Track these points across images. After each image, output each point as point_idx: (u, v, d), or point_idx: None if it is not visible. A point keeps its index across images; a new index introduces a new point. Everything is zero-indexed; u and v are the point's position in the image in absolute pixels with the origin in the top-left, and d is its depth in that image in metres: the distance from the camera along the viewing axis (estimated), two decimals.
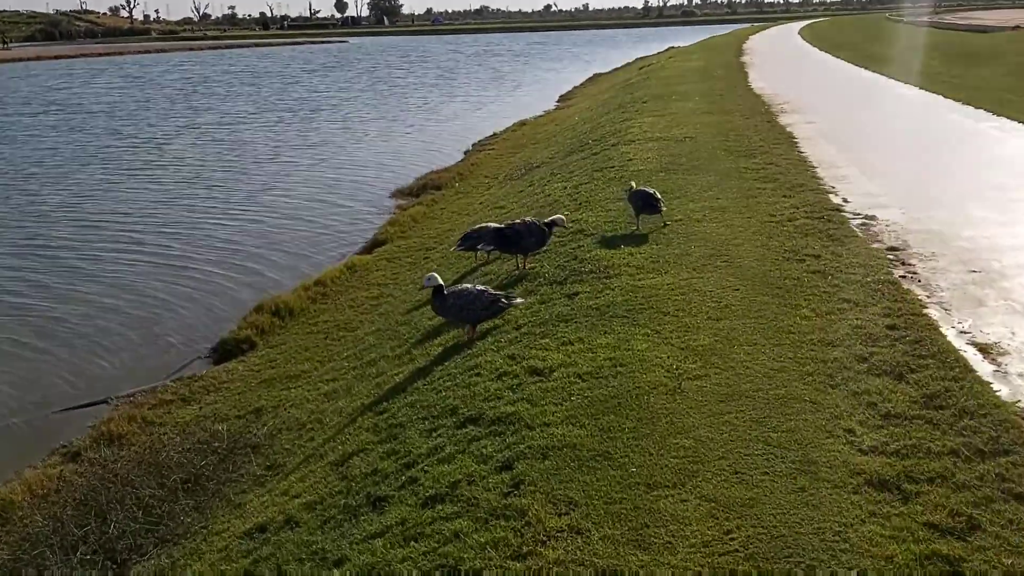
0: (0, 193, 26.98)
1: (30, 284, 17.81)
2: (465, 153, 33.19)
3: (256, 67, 73.67)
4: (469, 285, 10.93)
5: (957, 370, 8.11)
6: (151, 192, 27.60)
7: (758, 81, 35.97)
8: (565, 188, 18.76)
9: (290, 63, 77.62)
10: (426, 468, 7.56)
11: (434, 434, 8.25)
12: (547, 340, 9.74)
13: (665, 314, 9.99)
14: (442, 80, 61.92)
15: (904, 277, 10.93)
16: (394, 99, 51.20)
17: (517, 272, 13.28)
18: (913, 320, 9.39)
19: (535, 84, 58.70)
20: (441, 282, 10.67)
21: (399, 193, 26.33)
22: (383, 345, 12.55)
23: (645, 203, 13.71)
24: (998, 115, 23.25)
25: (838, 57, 48.19)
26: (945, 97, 27.45)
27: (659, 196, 13.23)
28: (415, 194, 25.91)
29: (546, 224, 13.32)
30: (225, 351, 14.13)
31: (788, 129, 22.55)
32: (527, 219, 13.28)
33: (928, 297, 10.23)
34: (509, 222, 13.41)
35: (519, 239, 12.87)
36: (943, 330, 9.19)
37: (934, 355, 8.47)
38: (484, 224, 14.87)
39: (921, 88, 30.41)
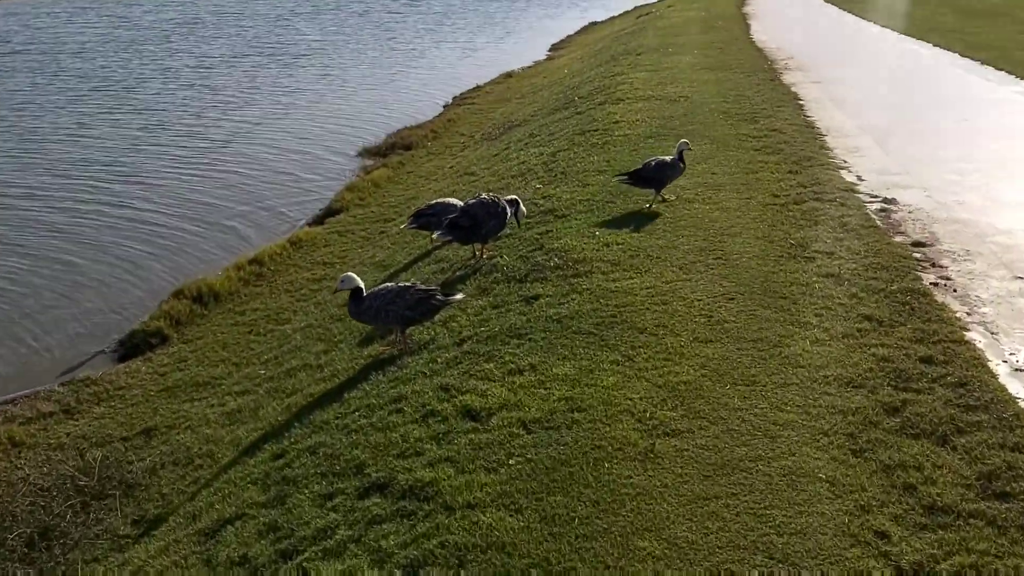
0: None
1: None
2: (444, 107, 30.76)
3: (249, 8, 70.25)
4: (391, 284, 8.93)
5: (1020, 432, 6.13)
6: (106, 140, 25.15)
7: (760, 34, 33.50)
8: (542, 155, 16.61)
9: (282, 3, 74.36)
10: (306, 563, 5.59)
11: (329, 504, 6.28)
12: (491, 365, 7.74)
13: (641, 331, 7.98)
14: (435, 26, 58.95)
15: (936, 285, 8.91)
16: (380, 45, 48.37)
17: (473, 262, 11.22)
18: (953, 351, 7.40)
19: (527, 32, 55.83)
20: (360, 283, 8.67)
21: (366, 152, 24.02)
22: (309, 347, 10.54)
23: (665, 171, 11.79)
24: (1020, 78, 21.03)
25: (843, 10, 45.59)
26: (963, 56, 25.15)
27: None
28: (383, 153, 23.65)
29: (508, 202, 11.24)
30: (132, 345, 12.11)
31: (793, 89, 20.34)
32: (485, 196, 11.19)
33: (968, 315, 8.23)
34: (465, 203, 11.32)
35: (477, 227, 10.82)
36: (992, 365, 7.21)
37: (986, 406, 6.51)
38: (443, 200, 12.76)
39: (935, 45, 28.06)
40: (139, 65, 41.34)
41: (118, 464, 8.55)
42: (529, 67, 38.96)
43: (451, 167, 20.69)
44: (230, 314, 13.04)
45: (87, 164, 22.24)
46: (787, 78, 22.10)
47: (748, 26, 37.22)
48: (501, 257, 10.99)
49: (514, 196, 11.47)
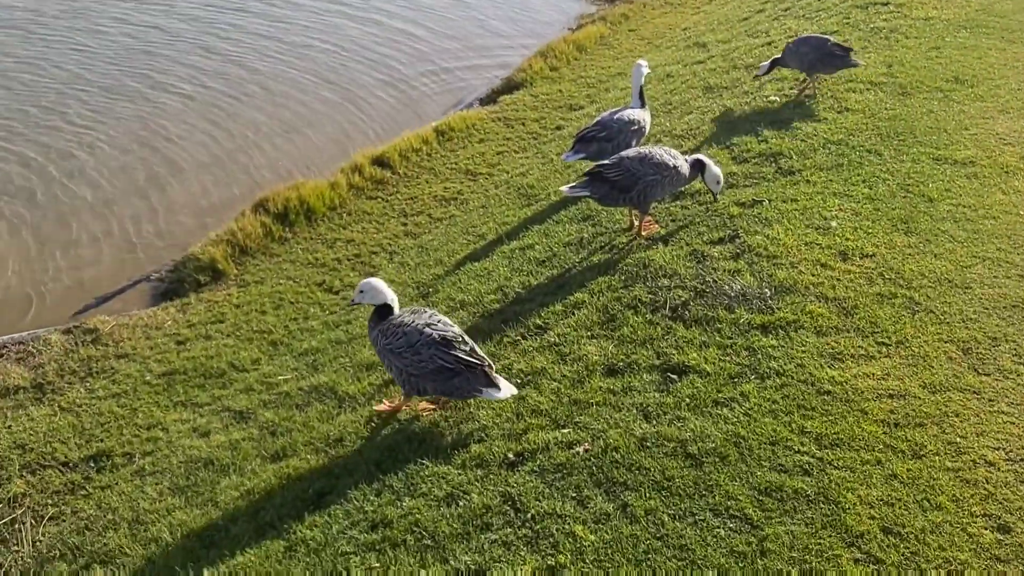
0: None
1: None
2: None
3: None
4: (419, 315, 5.39)
5: None
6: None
7: None
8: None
9: None
10: None
11: None
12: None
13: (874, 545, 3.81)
14: None
15: None
16: None
17: (627, 242, 7.18)
18: None
19: None
20: (387, 295, 5.58)
21: None
22: (345, 355, 7.11)
23: (821, 53, 9.05)
24: None
25: None
26: None
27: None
28: None
29: (691, 163, 7.01)
30: (177, 279, 9.25)
31: None
32: (655, 149, 7.00)
33: None
34: (616, 156, 7.16)
35: (628, 186, 6.81)
36: None
37: None
38: (622, 112, 8.57)
39: None
40: None
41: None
42: None
43: (684, 29, 15.82)
44: (315, 244, 9.82)
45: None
46: None
47: None
48: (657, 247, 6.84)
49: (700, 156, 7.10)
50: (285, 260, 9.53)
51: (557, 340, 6.11)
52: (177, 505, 5.67)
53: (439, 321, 5.40)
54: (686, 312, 6.03)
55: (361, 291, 5.61)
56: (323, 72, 14.71)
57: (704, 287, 6.24)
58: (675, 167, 6.99)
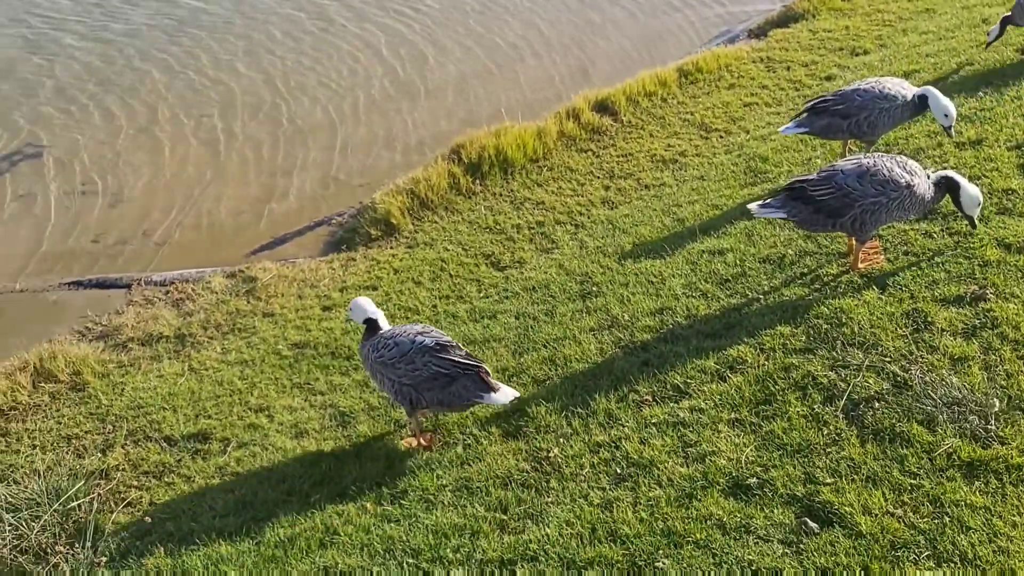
0: None
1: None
2: None
3: None
4: (410, 330, 5.25)
5: None
6: None
7: None
8: None
9: None
10: None
11: None
12: None
13: None
14: None
15: None
16: None
17: (836, 274, 5.46)
18: None
19: None
20: (370, 310, 5.44)
21: None
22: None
23: None
24: None
25: None
26: None
27: None
28: None
29: (935, 183, 5.09)
30: (352, 228, 8.63)
31: None
32: (881, 161, 5.14)
33: None
34: (828, 168, 5.36)
35: (841, 208, 5.12)
36: None
37: None
38: (879, 83, 6.68)
39: None
40: None
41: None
42: None
43: None
44: (502, 202, 8.74)
45: None
46: None
47: None
48: (869, 290, 5.05)
49: (950, 173, 5.12)
50: (464, 220, 8.59)
51: (688, 417, 4.66)
52: (226, 529, 5.07)
53: (431, 331, 5.18)
54: (869, 414, 4.31)
55: (350, 309, 5.54)
56: None
57: (908, 376, 4.44)
58: (910, 186, 5.07)
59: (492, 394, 4.94)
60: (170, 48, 12.33)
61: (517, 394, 5.04)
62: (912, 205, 5.14)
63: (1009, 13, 8.22)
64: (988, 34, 8.59)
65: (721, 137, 9.24)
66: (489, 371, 5.06)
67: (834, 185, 5.18)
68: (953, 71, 8.64)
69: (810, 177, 5.32)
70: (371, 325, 5.40)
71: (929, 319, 4.84)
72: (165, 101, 11.22)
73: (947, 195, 5.18)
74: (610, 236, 7.67)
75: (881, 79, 6.72)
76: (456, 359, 4.97)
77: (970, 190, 5.11)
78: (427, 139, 10.24)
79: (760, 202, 5.52)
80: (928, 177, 5.14)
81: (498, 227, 8.35)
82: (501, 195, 8.92)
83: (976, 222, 5.28)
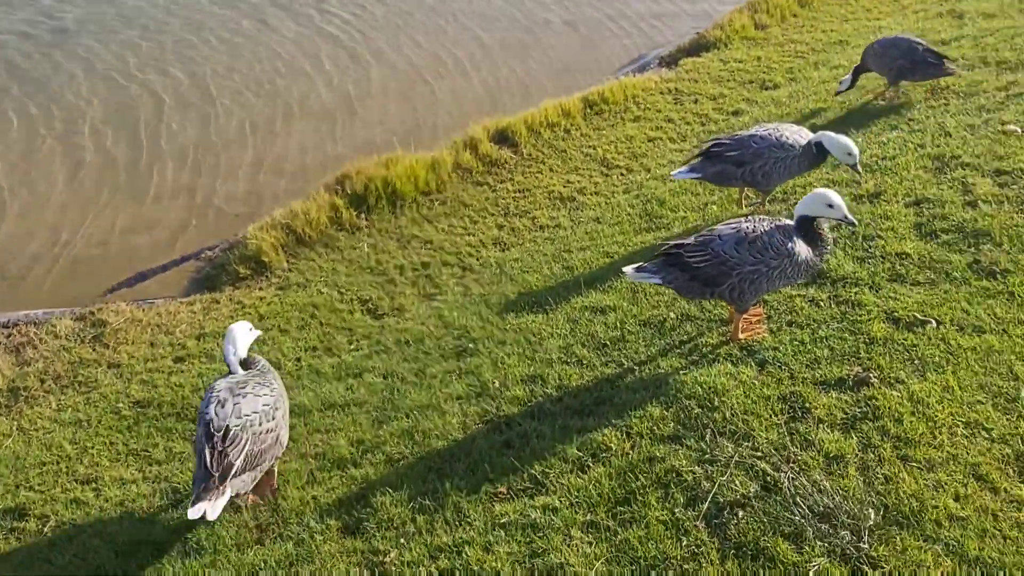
0: None
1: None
2: None
3: None
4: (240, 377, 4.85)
5: None
6: None
7: None
8: None
9: None
10: None
11: None
12: None
13: None
14: None
15: None
16: None
17: (716, 344, 5.02)
18: None
19: None
20: (237, 349, 4.97)
21: None
22: (331, 429, 5.52)
23: (910, 58, 7.79)
24: None
25: None
26: None
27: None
28: None
29: (814, 240, 4.74)
30: (220, 265, 7.95)
31: None
32: (762, 225, 4.71)
33: None
34: (706, 233, 4.92)
35: (716, 276, 4.80)
36: None
37: None
38: (773, 129, 6.35)
39: None
40: None
41: None
42: None
43: None
44: (387, 240, 8.15)
45: None
46: None
47: None
48: (746, 365, 4.63)
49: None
50: (344, 259, 7.99)
51: (541, 519, 4.15)
52: None
53: (228, 400, 4.62)
54: (733, 523, 3.85)
55: (227, 346, 5.01)
56: (476, 13, 12.81)
57: (778, 477, 4.00)
58: (791, 254, 4.65)
59: (195, 504, 4.31)
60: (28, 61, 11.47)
61: (201, 515, 4.31)
62: (795, 272, 4.73)
63: (859, 63, 8.30)
64: (840, 83, 8.58)
65: (622, 175, 8.81)
66: (223, 488, 4.41)
67: (710, 252, 4.74)
68: (859, 108, 8.37)
69: (686, 242, 4.88)
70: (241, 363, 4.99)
71: (807, 405, 4.42)
72: (29, 116, 10.37)
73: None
74: (496, 283, 7.16)
75: (780, 125, 6.39)
76: (206, 453, 4.44)
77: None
78: (317, 164, 9.62)
79: (635, 266, 5.06)
80: (807, 240, 4.72)
81: (380, 268, 7.77)
82: (387, 231, 8.34)
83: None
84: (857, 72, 8.36)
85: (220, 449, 4.48)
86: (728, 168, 6.37)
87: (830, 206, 4.62)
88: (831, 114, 8.60)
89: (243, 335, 5.06)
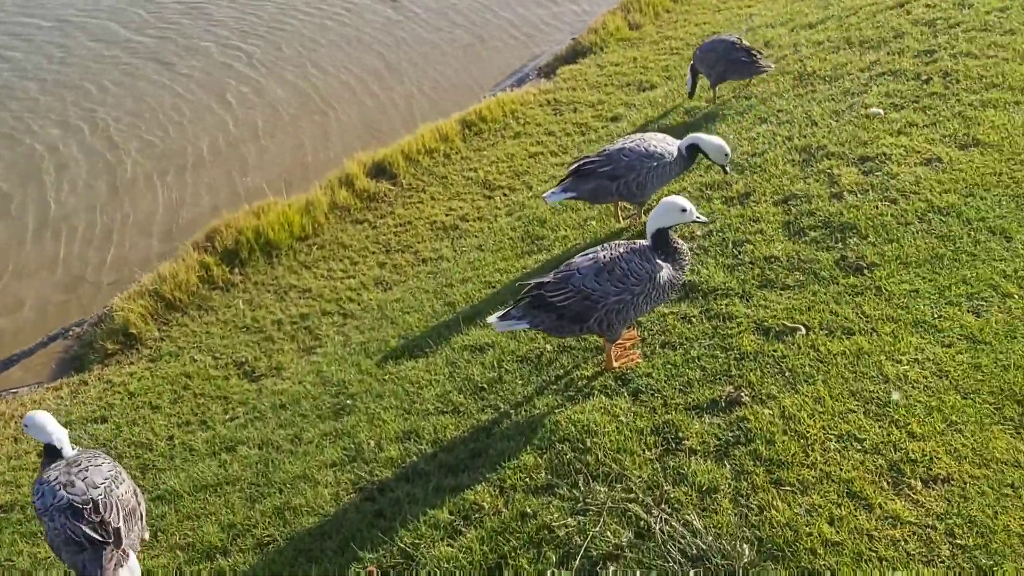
0: None
1: None
2: None
3: None
4: (80, 466, 4.44)
5: None
6: None
7: None
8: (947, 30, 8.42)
9: None
10: None
11: None
12: None
13: None
14: None
15: None
16: None
17: (591, 376, 4.76)
18: None
19: None
20: (52, 432, 4.56)
21: None
22: (205, 515, 5.16)
23: (727, 59, 7.80)
24: None
25: None
26: None
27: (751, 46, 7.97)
28: None
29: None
30: (88, 342, 7.50)
31: None
32: (618, 252, 4.47)
33: None
34: (564, 268, 4.67)
35: (583, 313, 4.51)
36: None
37: None
38: (639, 140, 6.21)
39: None
40: None
41: None
42: None
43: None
44: (263, 293, 7.81)
45: None
46: None
47: None
48: (620, 396, 4.37)
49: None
50: (218, 320, 7.61)
51: None
52: None
53: (90, 476, 4.29)
54: None
55: (25, 425, 4.61)
56: (345, 48, 12.50)
57: (651, 519, 3.78)
58: (652, 277, 4.45)
59: None
60: None
61: None
62: (659, 295, 4.54)
63: (692, 63, 8.28)
64: (688, 84, 8.54)
65: (504, 195, 8.58)
66: (127, 548, 4.16)
67: (571, 288, 4.52)
68: (730, 103, 8.28)
69: (546, 280, 4.64)
70: (49, 450, 4.53)
71: (680, 434, 4.22)
72: None
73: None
74: (377, 328, 6.86)
75: (645, 136, 6.27)
76: (86, 529, 4.12)
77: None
78: (189, 221, 9.18)
79: (500, 313, 4.79)
80: (666, 257, 4.52)
81: (256, 325, 7.40)
82: (263, 284, 7.97)
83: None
84: (694, 72, 8.30)
85: (98, 520, 4.18)
86: (603, 183, 6.21)
87: (683, 211, 4.46)
88: (708, 110, 8.50)
89: (50, 418, 4.64)
